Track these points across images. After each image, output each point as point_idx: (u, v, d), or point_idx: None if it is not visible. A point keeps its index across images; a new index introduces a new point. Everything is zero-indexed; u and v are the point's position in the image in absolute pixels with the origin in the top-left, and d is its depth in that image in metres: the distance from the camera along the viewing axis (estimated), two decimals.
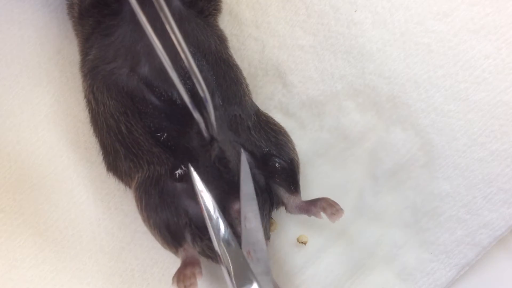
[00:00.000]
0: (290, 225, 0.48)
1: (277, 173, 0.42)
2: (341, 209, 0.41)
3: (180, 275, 0.38)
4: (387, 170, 0.48)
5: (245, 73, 0.50)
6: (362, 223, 0.48)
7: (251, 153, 0.41)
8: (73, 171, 0.49)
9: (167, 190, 0.40)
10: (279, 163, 0.42)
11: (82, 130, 0.49)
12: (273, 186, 0.42)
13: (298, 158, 0.45)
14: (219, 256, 0.38)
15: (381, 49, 0.49)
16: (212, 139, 0.39)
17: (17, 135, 0.49)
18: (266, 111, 0.49)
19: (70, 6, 0.47)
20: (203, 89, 0.36)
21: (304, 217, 0.48)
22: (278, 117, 0.49)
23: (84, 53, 0.44)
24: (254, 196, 0.40)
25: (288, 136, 0.45)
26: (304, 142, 0.49)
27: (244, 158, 0.41)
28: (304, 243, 0.47)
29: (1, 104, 0.50)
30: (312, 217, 0.48)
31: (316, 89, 0.49)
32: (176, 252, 0.40)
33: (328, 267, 0.47)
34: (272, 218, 0.44)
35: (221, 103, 0.41)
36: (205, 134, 0.39)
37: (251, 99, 0.45)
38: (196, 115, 0.38)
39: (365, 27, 0.49)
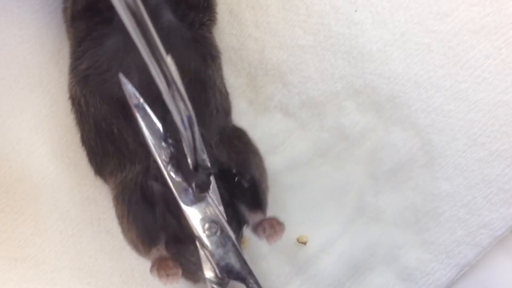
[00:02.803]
0: (290, 225, 0.48)
1: (239, 190, 0.42)
2: (281, 231, 0.40)
3: (162, 264, 0.37)
4: (387, 170, 0.48)
5: (245, 73, 0.50)
6: (362, 223, 0.48)
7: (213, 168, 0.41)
8: (73, 171, 0.49)
9: (146, 189, 0.40)
10: (240, 180, 0.42)
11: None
12: (236, 203, 0.42)
13: (262, 175, 0.43)
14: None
15: (381, 49, 0.49)
16: (197, 165, 0.39)
17: (17, 135, 0.49)
18: (265, 111, 0.50)
19: (64, 10, 0.47)
20: (188, 107, 0.36)
21: (304, 217, 0.48)
22: (278, 117, 0.50)
23: (76, 57, 0.44)
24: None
25: (254, 152, 0.44)
26: (304, 142, 0.49)
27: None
28: (304, 243, 0.47)
29: (1, 104, 0.49)
30: (312, 217, 0.48)
31: (316, 89, 0.49)
32: (148, 252, 0.40)
33: (328, 267, 0.47)
34: (243, 236, 0.44)
35: None
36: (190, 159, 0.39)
37: (222, 119, 0.44)
38: (187, 137, 0.38)
39: (365, 27, 0.49)
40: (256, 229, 0.41)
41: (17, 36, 0.51)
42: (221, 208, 0.40)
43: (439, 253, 0.47)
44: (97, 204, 0.48)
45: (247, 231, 0.44)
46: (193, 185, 0.38)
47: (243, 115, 0.49)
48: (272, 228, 0.40)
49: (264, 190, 0.43)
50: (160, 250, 0.39)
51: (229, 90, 0.47)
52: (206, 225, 0.39)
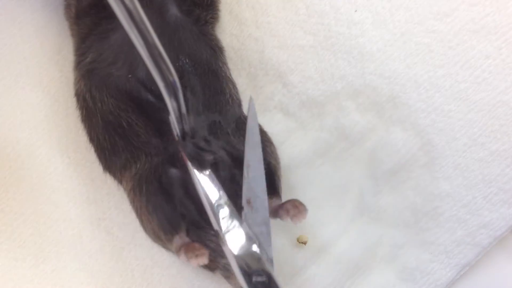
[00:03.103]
0: (290, 225, 0.48)
1: None
2: (305, 210, 0.41)
3: (189, 247, 0.38)
4: (387, 170, 0.48)
5: (245, 73, 0.50)
6: (362, 223, 0.48)
7: (230, 155, 0.42)
8: (73, 171, 0.49)
9: (165, 178, 0.40)
10: None
11: (82, 130, 0.48)
12: None
13: (277, 163, 0.44)
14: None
15: (381, 49, 0.49)
16: (184, 134, 0.39)
17: (17, 135, 0.49)
18: (266, 111, 0.50)
19: (67, 7, 0.47)
20: (171, 73, 0.36)
21: None
22: (278, 117, 0.50)
23: (80, 53, 0.44)
24: (259, 144, 0.40)
25: (268, 140, 0.45)
26: (304, 142, 0.49)
27: (253, 105, 0.41)
28: (304, 243, 0.47)
29: (1, 104, 0.50)
30: (312, 217, 0.48)
31: (316, 89, 0.49)
32: (171, 240, 0.40)
33: (328, 267, 0.47)
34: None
35: (202, 109, 0.42)
36: (176, 128, 0.39)
37: (236, 108, 0.45)
38: (171, 104, 0.37)
39: (365, 27, 0.49)
40: (277, 212, 0.41)
41: (17, 36, 0.51)
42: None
43: (439, 253, 0.47)
44: (97, 204, 0.48)
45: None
46: (185, 155, 0.38)
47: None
48: (296, 208, 0.41)
49: (279, 176, 0.43)
50: (182, 238, 0.39)
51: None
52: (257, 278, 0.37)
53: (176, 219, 0.40)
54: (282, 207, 0.41)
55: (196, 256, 0.37)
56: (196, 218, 0.40)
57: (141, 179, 0.41)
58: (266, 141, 0.44)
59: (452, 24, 0.49)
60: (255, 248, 0.37)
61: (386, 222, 0.48)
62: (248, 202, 0.39)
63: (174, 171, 0.40)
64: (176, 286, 0.47)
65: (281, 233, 0.48)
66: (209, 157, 0.40)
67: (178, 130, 0.39)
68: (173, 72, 0.36)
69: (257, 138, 0.41)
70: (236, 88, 0.46)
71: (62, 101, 0.50)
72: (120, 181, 0.44)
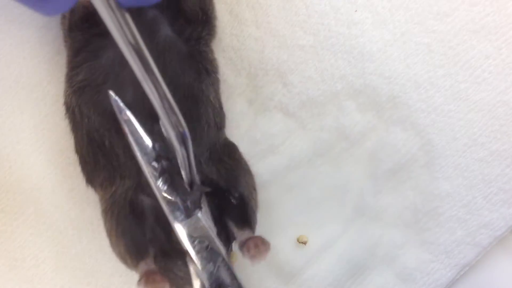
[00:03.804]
0: (290, 225, 0.48)
1: (227, 207, 0.42)
2: (265, 251, 0.40)
3: (149, 278, 0.38)
4: (387, 170, 0.48)
5: (245, 73, 0.50)
6: (362, 223, 0.48)
7: (202, 184, 0.41)
8: (73, 171, 0.49)
9: (137, 204, 0.40)
10: (229, 197, 0.42)
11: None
12: (226, 220, 0.42)
13: (252, 193, 0.43)
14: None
15: (382, 49, 0.49)
16: (192, 183, 0.40)
17: (17, 135, 0.49)
18: (266, 111, 0.50)
19: (63, 18, 0.47)
20: (181, 123, 0.36)
21: (304, 217, 0.48)
22: (278, 117, 0.50)
23: (72, 67, 0.44)
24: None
25: (243, 169, 0.44)
26: (304, 142, 0.49)
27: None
28: (304, 243, 0.47)
29: (1, 104, 0.49)
30: (312, 217, 0.48)
31: (316, 89, 0.49)
32: (136, 265, 0.40)
33: (328, 267, 0.47)
34: (232, 251, 0.43)
35: None
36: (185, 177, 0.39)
37: (214, 134, 0.44)
38: (181, 153, 0.38)
39: (366, 27, 0.49)
40: (242, 247, 0.41)
41: (17, 36, 0.51)
42: (211, 223, 0.40)
43: (439, 253, 0.47)
44: (97, 204, 0.48)
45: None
46: (188, 203, 0.39)
47: (243, 115, 0.49)
48: (256, 248, 0.40)
49: (252, 208, 0.42)
50: (148, 264, 0.39)
51: (229, 90, 0.47)
52: (196, 241, 0.38)
53: (144, 245, 0.40)
54: (246, 243, 0.40)
55: None
56: (165, 246, 0.40)
57: (113, 202, 0.41)
58: (240, 169, 0.44)
59: (452, 24, 0.49)
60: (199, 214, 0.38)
61: (386, 222, 0.48)
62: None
63: (145, 198, 0.40)
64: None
65: (281, 233, 0.48)
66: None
67: (186, 180, 0.39)
68: (183, 122, 0.36)
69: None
70: (218, 111, 0.45)
71: (62, 101, 0.50)
72: (98, 195, 0.44)
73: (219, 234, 0.41)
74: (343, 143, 0.49)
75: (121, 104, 0.40)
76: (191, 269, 0.39)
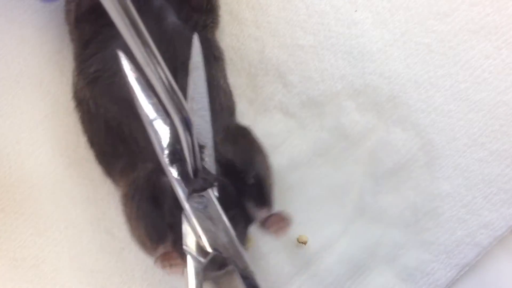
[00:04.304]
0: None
1: (245, 187, 0.42)
2: (286, 226, 0.41)
3: (166, 255, 0.38)
4: (387, 170, 0.48)
5: (245, 73, 0.50)
6: (362, 223, 0.48)
7: (220, 164, 0.42)
8: (73, 171, 0.49)
9: (158, 187, 0.40)
10: (245, 177, 0.42)
11: (82, 131, 0.49)
12: (244, 201, 0.42)
13: (267, 172, 0.44)
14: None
15: (382, 49, 0.49)
16: (196, 170, 0.40)
17: (17, 135, 0.49)
18: (266, 111, 0.50)
19: (68, 12, 0.47)
20: (185, 108, 0.37)
21: (304, 217, 0.48)
22: (278, 117, 0.50)
23: (82, 60, 0.44)
24: (203, 78, 0.41)
25: (258, 150, 0.44)
26: (304, 142, 0.49)
27: (196, 40, 0.42)
28: (304, 243, 0.47)
29: (1, 104, 0.50)
30: (312, 217, 0.48)
31: (316, 89, 0.49)
32: (156, 249, 0.40)
33: (328, 267, 0.47)
34: (249, 234, 0.44)
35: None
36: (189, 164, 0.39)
37: (226, 117, 0.45)
38: (185, 138, 0.38)
39: (366, 27, 0.49)
40: (263, 225, 0.42)
41: (17, 36, 0.51)
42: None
43: (439, 253, 0.47)
44: (97, 204, 0.48)
45: (253, 231, 0.44)
46: (192, 190, 0.39)
47: (243, 115, 0.49)
48: (278, 223, 0.41)
49: (269, 187, 0.43)
50: (167, 248, 0.40)
51: (233, 97, 0.47)
52: (195, 199, 0.39)
53: (163, 229, 0.40)
54: (267, 220, 0.41)
55: (171, 265, 0.37)
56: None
57: (135, 186, 0.41)
58: (255, 150, 0.44)
59: (452, 24, 0.49)
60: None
61: (386, 222, 0.48)
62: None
63: (166, 181, 0.40)
64: (176, 286, 0.47)
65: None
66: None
67: (190, 166, 0.39)
68: (186, 108, 0.36)
69: (201, 72, 0.41)
70: (229, 97, 0.46)
71: (62, 101, 0.50)
72: (117, 186, 0.45)
73: (238, 217, 0.41)
74: (343, 143, 0.49)
75: (129, 63, 0.40)
76: (184, 227, 0.39)
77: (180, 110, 0.36)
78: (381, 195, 0.48)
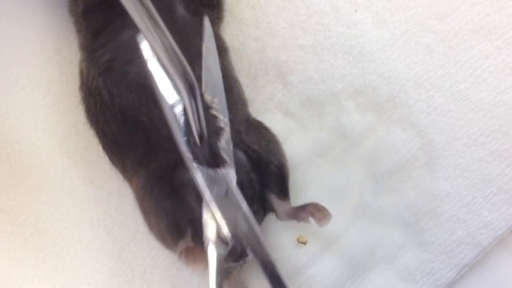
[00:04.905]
0: (290, 225, 0.48)
1: (268, 178, 0.42)
2: (329, 214, 0.41)
3: (190, 251, 0.38)
4: (387, 170, 0.48)
5: (245, 73, 0.50)
6: (362, 223, 0.48)
7: (246, 154, 0.42)
8: (73, 171, 0.49)
9: (179, 179, 0.40)
10: (270, 168, 0.42)
11: (82, 130, 0.48)
12: (265, 192, 0.42)
13: (288, 165, 0.44)
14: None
15: (382, 49, 0.49)
16: (202, 136, 0.39)
17: (17, 135, 0.49)
18: (266, 111, 0.50)
19: (74, 3, 0.46)
20: (189, 73, 0.36)
21: None
22: (278, 117, 0.50)
23: (93, 49, 0.43)
24: (218, 63, 0.40)
25: (278, 142, 0.45)
26: (304, 142, 0.49)
27: (207, 22, 0.41)
28: (304, 243, 0.47)
29: (1, 104, 0.50)
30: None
31: (316, 89, 0.49)
32: (176, 244, 0.40)
33: (328, 267, 0.47)
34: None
35: None
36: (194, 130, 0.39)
37: (244, 109, 0.45)
38: (190, 104, 0.37)
39: (366, 27, 0.49)
40: (295, 214, 0.42)
41: (17, 36, 0.51)
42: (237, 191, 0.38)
43: (439, 253, 0.47)
44: (97, 204, 0.48)
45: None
46: (199, 158, 0.38)
47: None
48: (321, 211, 0.41)
49: (288, 179, 0.44)
50: (188, 242, 0.39)
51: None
52: (215, 189, 0.37)
53: (183, 223, 0.39)
54: (305, 209, 0.42)
55: (194, 262, 0.37)
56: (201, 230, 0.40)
57: (155, 178, 0.40)
58: (277, 144, 0.44)
59: (452, 24, 0.49)
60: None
61: (386, 222, 0.48)
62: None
63: (187, 174, 0.39)
64: (176, 286, 0.47)
65: (281, 233, 0.48)
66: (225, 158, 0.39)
67: (195, 132, 0.38)
68: (190, 72, 0.36)
69: (214, 56, 0.40)
70: (242, 89, 0.46)
71: (62, 101, 0.50)
72: (130, 178, 0.44)
73: (258, 211, 0.41)
74: (343, 143, 0.49)
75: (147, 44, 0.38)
76: (204, 217, 0.37)
77: (185, 74, 0.35)
78: (381, 195, 0.48)
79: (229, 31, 0.50)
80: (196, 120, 0.37)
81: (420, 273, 0.47)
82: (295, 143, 0.49)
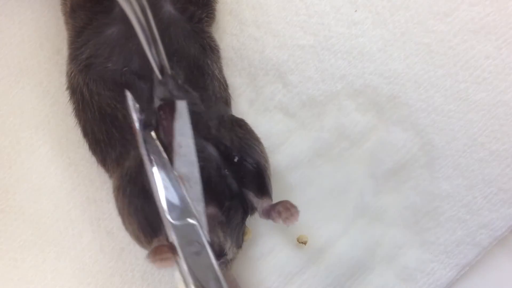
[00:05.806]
0: (290, 225, 0.48)
1: (244, 175, 0.42)
2: (296, 213, 0.40)
3: (157, 250, 0.37)
4: (387, 170, 0.48)
5: (245, 73, 0.50)
6: (362, 223, 0.48)
7: (218, 151, 0.41)
8: (73, 171, 0.49)
9: (147, 178, 0.40)
10: (244, 165, 0.42)
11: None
12: (244, 191, 0.42)
13: (267, 162, 0.44)
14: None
15: (382, 49, 0.49)
16: (163, 70, 0.40)
17: (17, 135, 0.49)
18: (266, 111, 0.50)
19: (63, 2, 0.47)
20: (151, 26, 0.37)
21: (304, 217, 0.48)
22: (278, 117, 0.50)
23: (76, 47, 0.44)
24: (190, 132, 0.39)
25: (257, 140, 0.44)
26: (304, 142, 0.49)
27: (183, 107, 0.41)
28: (304, 243, 0.47)
29: (1, 104, 0.50)
30: (312, 217, 0.48)
31: (316, 89, 0.49)
32: (150, 242, 0.40)
33: (328, 267, 0.47)
34: (246, 226, 0.44)
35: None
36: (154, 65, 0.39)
37: (220, 106, 0.45)
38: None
39: (366, 27, 0.49)
40: (268, 213, 0.41)
41: (17, 36, 0.51)
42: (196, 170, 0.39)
43: (439, 253, 0.47)
44: (97, 204, 0.48)
45: (251, 222, 0.44)
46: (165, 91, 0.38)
47: (243, 115, 0.49)
48: (287, 211, 0.40)
49: (269, 177, 0.43)
50: (161, 241, 0.39)
51: (229, 90, 0.47)
52: (187, 248, 0.38)
53: (156, 222, 0.39)
54: (274, 208, 0.41)
55: (161, 259, 0.37)
56: None
57: (128, 179, 0.41)
58: (254, 140, 0.44)
59: (452, 24, 0.49)
60: (192, 221, 0.38)
61: (386, 222, 0.48)
62: (180, 179, 0.38)
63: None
64: (177, 286, 0.47)
65: (281, 233, 0.48)
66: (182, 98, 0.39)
67: (156, 66, 0.39)
68: (153, 24, 0.36)
69: (187, 127, 0.40)
70: (224, 88, 0.46)
71: (62, 101, 0.50)
72: (110, 177, 0.44)
73: (236, 207, 0.41)
74: (343, 143, 0.49)
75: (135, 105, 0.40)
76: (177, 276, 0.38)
77: (146, 28, 0.37)
78: (381, 195, 0.48)
79: (229, 31, 0.50)
80: (153, 48, 0.38)
81: (420, 273, 0.47)
82: (295, 143, 0.49)
